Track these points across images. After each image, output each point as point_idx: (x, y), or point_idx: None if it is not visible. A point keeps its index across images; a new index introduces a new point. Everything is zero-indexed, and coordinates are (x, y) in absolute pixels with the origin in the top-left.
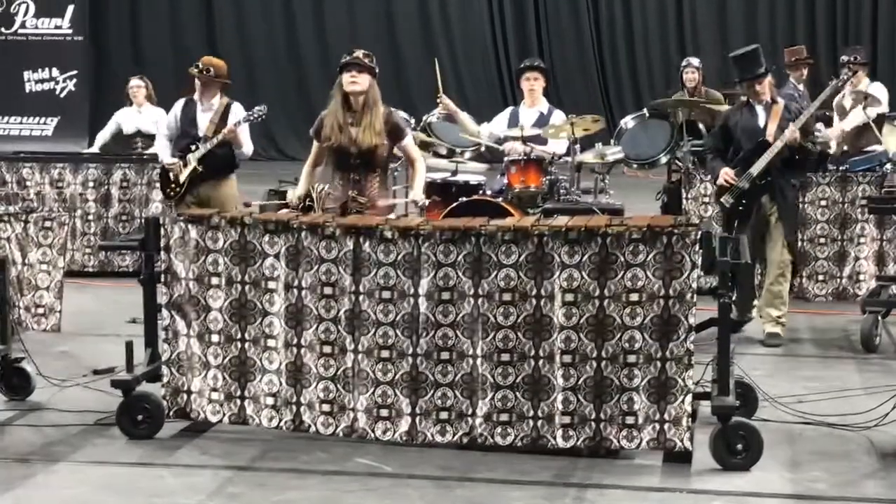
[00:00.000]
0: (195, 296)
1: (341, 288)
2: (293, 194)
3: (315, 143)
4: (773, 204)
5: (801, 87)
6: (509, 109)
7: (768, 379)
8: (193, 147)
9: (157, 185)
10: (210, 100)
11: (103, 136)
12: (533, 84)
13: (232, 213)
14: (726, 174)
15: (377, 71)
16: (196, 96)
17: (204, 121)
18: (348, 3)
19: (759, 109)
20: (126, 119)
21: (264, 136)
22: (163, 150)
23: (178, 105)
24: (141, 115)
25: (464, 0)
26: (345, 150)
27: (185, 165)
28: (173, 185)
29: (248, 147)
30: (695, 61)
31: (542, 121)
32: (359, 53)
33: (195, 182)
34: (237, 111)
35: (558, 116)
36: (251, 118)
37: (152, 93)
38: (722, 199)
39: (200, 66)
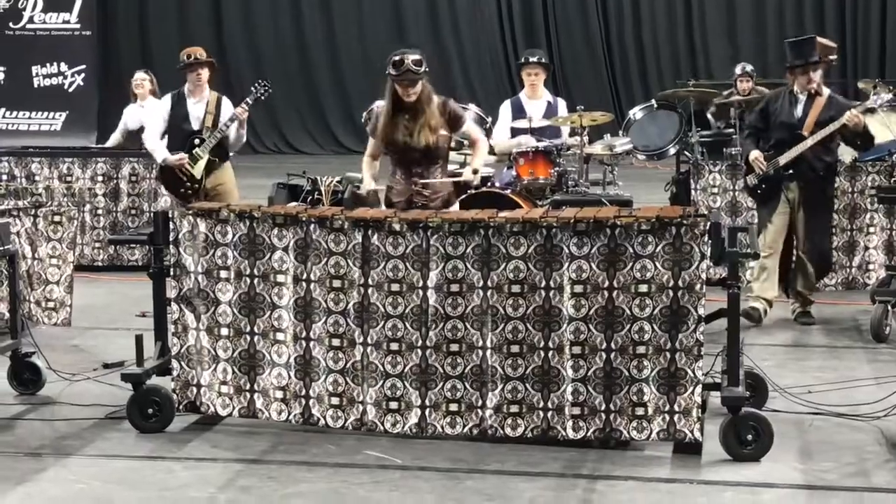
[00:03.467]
0: (204, 289)
1: (350, 281)
2: (365, 187)
3: (372, 139)
4: (804, 201)
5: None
6: (508, 102)
7: (778, 369)
8: (198, 141)
9: (161, 188)
10: (201, 93)
11: (115, 138)
12: (534, 79)
13: (241, 207)
14: (757, 158)
15: (427, 68)
16: (185, 90)
17: (197, 113)
18: None
19: (801, 99)
20: (130, 116)
21: (273, 129)
22: (160, 149)
23: (166, 101)
24: (144, 109)
25: None
26: (404, 149)
27: (195, 160)
28: (188, 184)
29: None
30: (749, 68)
31: (551, 111)
32: (409, 64)
33: (206, 174)
34: (228, 102)
35: (564, 107)
36: (258, 95)
37: (156, 88)
38: (747, 178)
39: (192, 55)
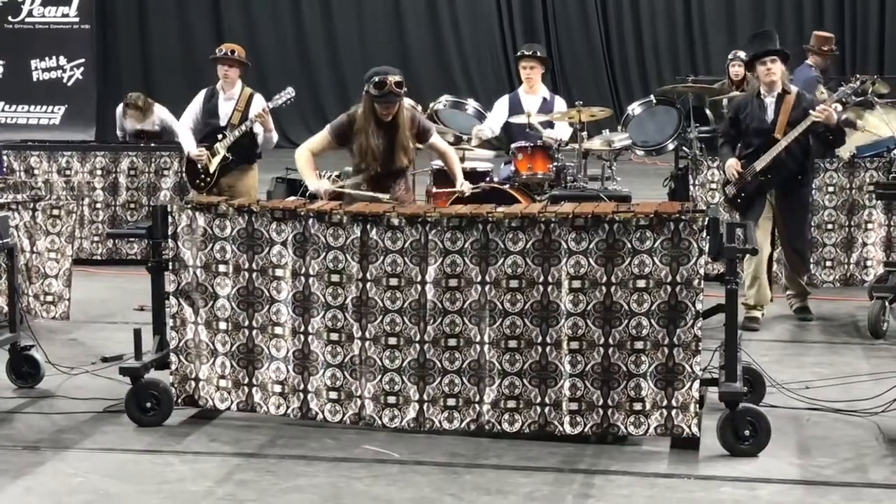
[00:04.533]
0: (203, 283)
1: (348, 275)
2: (318, 187)
3: (328, 137)
4: (780, 202)
5: (816, 72)
6: (507, 97)
7: (776, 365)
8: (220, 136)
9: (184, 176)
10: (232, 88)
11: (119, 131)
12: (530, 73)
13: (239, 201)
14: (732, 166)
15: (406, 89)
16: (219, 86)
17: (226, 110)
18: None
19: (769, 102)
20: (127, 121)
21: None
22: (187, 141)
23: (200, 96)
24: (144, 118)
25: None
26: (377, 167)
27: (213, 155)
28: (203, 176)
29: (275, 132)
30: (741, 54)
31: (547, 107)
32: (391, 86)
33: (222, 171)
34: (260, 100)
35: (561, 104)
36: (280, 101)
37: (150, 105)
38: (725, 188)
39: (224, 50)
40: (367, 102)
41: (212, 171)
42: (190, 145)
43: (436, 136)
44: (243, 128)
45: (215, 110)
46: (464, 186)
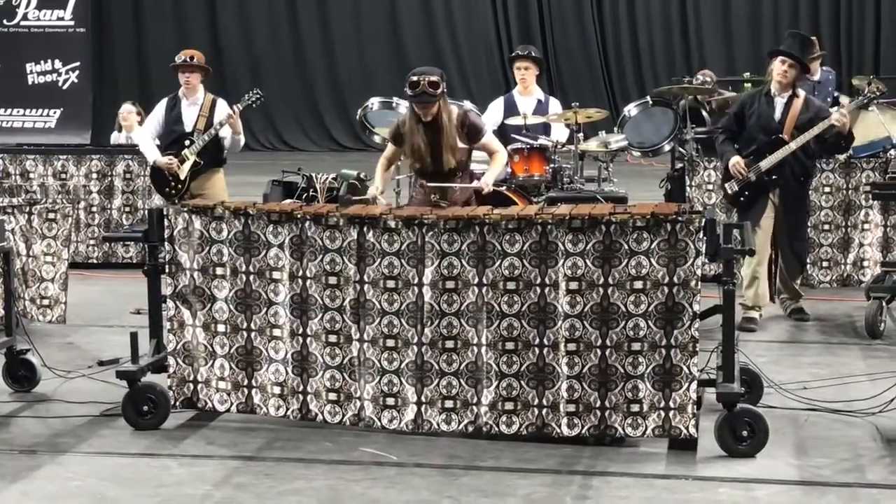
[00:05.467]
0: (200, 286)
1: (346, 277)
2: (373, 189)
3: (391, 146)
4: (783, 202)
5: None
6: (501, 99)
7: (773, 366)
8: (187, 143)
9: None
10: (194, 94)
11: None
12: (524, 73)
13: (236, 204)
14: (737, 164)
15: (445, 87)
16: (181, 93)
17: (190, 116)
18: None
19: (778, 102)
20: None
21: (269, 127)
22: (150, 150)
23: (162, 104)
24: (132, 139)
25: None
26: (425, 169)
27: (182, 162)
28: (173, 184)
29: (243, 134)
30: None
31: (542, 109)
32: (425, 86)
33: (192, 177)
34: (223, 104)
35: (556, 105)
36: (249, 102)
37: (144, 118)
38: (726, 185)
39: (184, 56)
40: (409, 103)
41: (182, 177)
42: (154, 154)
43: (489, 136)
44: (212, 131)
45: (179, 117)
46: (483, 182)
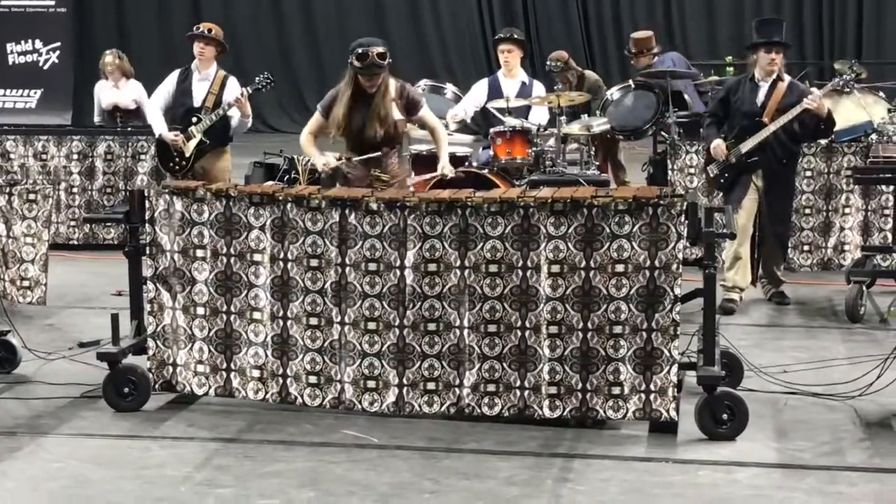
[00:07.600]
0: (180, 268)
1: (327, 260)
2: (320, 163)
3: (319, 116)
4: (766, 185)
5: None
6: (485, 80)
7: (754, 349)
8: (195, 119)
9: (155, 159)
10: (207, 68)
11: (97, 117)
12: (508, 56)
13: (217, 186)
14: (718, 146)
15: (390, 61)
16: (193, 65)
17: (200, 91)
18: None
19: (762, 86)
20: (103, 94)
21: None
22: (158, 122)
23: (174, 75)
24: (119, 91)
25: None
26: (359, 138)
27: (189, 138)
28: (178, 160)
29: (251, 117)
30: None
31: (525, 91)
32: (374, 58)
33: (197, 155)
34: (234, 83)
35: (539, 88)
36: (259, 86)
37: (129, 68)
38: (708, 168)
39: (202, 28)
40: (350, 73)
41: (187, 154)
42: (161, 127)
43: (425, 111)
44: (220, 111)
45: (189, 90)
46: (445, 170)
